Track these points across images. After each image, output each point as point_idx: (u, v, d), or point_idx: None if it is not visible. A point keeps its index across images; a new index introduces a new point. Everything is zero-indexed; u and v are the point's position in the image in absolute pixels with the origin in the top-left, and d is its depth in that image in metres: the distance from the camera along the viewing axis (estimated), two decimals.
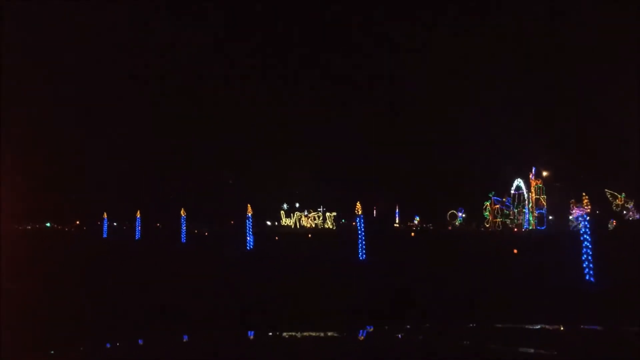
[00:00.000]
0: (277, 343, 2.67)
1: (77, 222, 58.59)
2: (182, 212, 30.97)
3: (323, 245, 24.98)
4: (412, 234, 45.43)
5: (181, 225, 30.91)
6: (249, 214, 25.01)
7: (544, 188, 52.41)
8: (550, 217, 55.81)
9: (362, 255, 18.17)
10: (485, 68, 71.93)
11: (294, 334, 3.04)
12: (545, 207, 51.99)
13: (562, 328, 3.04)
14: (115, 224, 46.44)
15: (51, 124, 60.44)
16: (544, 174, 54.96)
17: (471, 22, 75.37)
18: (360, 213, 18.76)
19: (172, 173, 68.61)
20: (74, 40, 67.76)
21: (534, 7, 61.94)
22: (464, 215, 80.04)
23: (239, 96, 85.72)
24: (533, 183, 56.39)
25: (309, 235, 24.39)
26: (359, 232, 18.37)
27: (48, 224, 60.44)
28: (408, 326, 3.12)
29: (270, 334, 3.14)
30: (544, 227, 52.11)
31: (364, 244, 18.21)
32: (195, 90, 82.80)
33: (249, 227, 24.62)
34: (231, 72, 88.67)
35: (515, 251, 20.70)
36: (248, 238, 24.28)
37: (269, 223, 64.52)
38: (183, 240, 30.42)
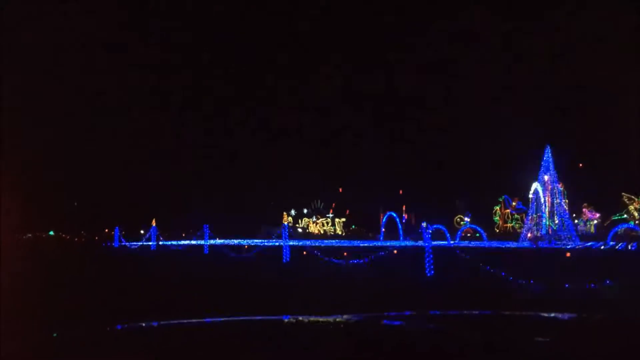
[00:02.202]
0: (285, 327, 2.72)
1: (82, 232, 55.84)
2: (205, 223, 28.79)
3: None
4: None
5: (204, 236, 28.79)
6: (285, 223, 23.00)
7: (565, 192, 50.81)
8: (556, 221, 54.44)
9: (429, 272, 16.29)
10: (497, 68, 70.60)
11: (304, 318, 2.97)
12: (568, 212, 50.29)
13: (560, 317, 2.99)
14: (142, 231, 44.04)
15: (60, 130, 58.44)
16: (546, 178, 53.61)
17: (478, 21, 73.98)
18: (425, 225, 16.90)
19: (191, 180, 66.92)
20: (84, 42, 65.55)
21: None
22: (468, 220, 78.47)
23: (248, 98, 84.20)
24: (549, 187, 54.77)
25: (395, 252, 21.82)
26: (426, 245, 16.50)
27: (51, 232, 57.50)
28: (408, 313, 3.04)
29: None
30: (565, 232, 50.43)
31: (431, 258, 16.34)
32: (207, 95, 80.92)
33: (285, 237, 22.50)
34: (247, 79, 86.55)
35: None
36: (284, 251, 22.11)
37: (300, 230, 61.74)
38: (206, 251, 28.31)
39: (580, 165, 55.31)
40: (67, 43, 61.32)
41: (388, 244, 39.98)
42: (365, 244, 39.00)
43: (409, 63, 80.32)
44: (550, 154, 46.40)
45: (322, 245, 32.81)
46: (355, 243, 42.51)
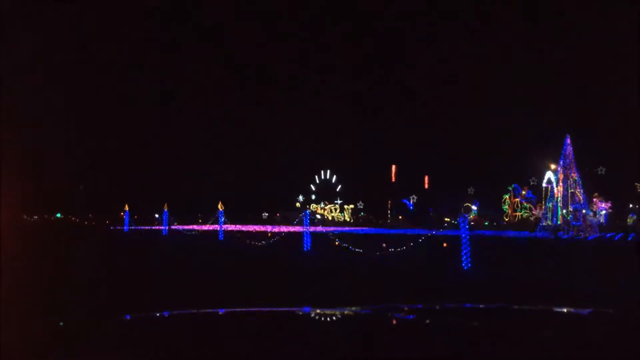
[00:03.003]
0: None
1: (90, 215, 55.05)
2: (220, 206, 27.88)
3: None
4: None
5: (219, 220, 27.85)
6: (307, 210, 22.13)
7: (580, 182, 49.84)
8: (564, 211, 53.78)
9: (466, 265, 15.45)
10: (510, 54, 69.39)
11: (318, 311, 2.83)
12: (582, 201, 49.40)
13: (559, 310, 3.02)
14: (157, 215, 43.14)
15: (69, 113, 57.70)
16: (552, 167, 52.74)
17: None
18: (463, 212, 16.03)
19: (204, 164, 66.37)
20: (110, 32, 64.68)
21: None
22: (475, 208, 77.76)
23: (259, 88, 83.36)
24: (561, 176, 53.85)
25: (445, 244, 20.91)
26: (463, 234, 15.63)
27: (59, 215, 56.70)
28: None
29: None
30: (580, 222, 49.66)
31: (468, 250, 15.47)
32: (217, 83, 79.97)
33: (306, 223, 21.55)
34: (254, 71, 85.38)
35: None
36: (305, 239, 21.20)
37: (318, 216, 60.45)
38: (220, 237, 27.47)
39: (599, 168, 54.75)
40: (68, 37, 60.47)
41: (401, 231, 39.20)
42: (377, 232, 38.26)
43: (419, 57, 79.23)
44: (569, 144, 45.60)
45: (337, 232, 32.08)
46: (365, 230, 41.74)
